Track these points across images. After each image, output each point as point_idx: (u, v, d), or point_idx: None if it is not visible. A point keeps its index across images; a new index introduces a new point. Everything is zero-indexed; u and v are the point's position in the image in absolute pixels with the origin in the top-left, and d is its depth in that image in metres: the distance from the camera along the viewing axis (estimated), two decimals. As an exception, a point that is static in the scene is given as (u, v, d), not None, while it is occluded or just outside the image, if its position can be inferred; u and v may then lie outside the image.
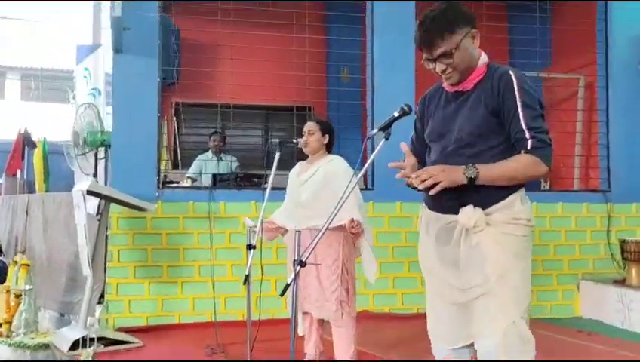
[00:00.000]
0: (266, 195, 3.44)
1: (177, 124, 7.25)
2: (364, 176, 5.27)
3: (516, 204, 2.07)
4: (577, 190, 6.13)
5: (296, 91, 5.89)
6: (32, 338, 4.23)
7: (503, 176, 2.02)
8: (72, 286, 4.82)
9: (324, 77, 6.99)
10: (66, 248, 4.89)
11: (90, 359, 3.55)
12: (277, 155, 3.55)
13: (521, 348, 2.01)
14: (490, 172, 2.00)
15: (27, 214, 5.62)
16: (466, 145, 2.09)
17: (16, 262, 4.71)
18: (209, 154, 6.36)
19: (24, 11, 16.16)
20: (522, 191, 2.11)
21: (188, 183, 5.78)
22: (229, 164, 6.32)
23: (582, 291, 5.46)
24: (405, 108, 2.17)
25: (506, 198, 2.06)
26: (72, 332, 4.09)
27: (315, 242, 2.13)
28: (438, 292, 2.21)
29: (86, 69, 7.06)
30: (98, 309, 4.69)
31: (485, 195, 2.04)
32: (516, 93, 2.03)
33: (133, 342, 4.31)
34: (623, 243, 5.17)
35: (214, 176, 5.49)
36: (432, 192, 1.99)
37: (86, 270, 4.33)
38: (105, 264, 4.68)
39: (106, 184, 5.36)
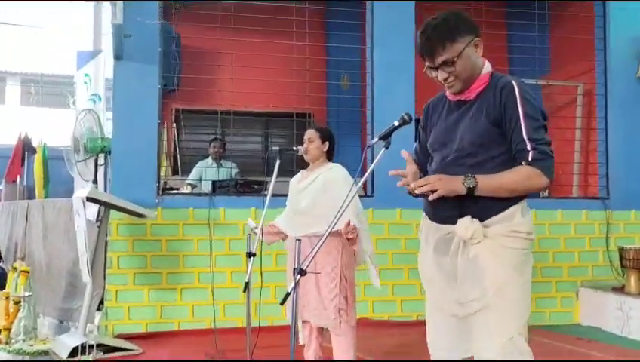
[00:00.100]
0: (266, 202, 3.46)
1: (177, 130, 7.27)
2: (364, 183, 5.28)
3: (516, 216, 2.03)
4: (576, 197, 6.15)
5: (296, 98, 5.91)
6: (31, 345, 4.23)
7: (503, 187, 2.00)
8: (71, 293, 4.82)
9: (324, 84, 7.01)
10: (66, 254, 4.89)
11: (89, 366, 3.55)
12: (277, 163, 3.56)
13: None
14: (489, 183, 1.99)
15: (27, 220, 5.62)
16: (467, 154, 2.07)
17: (15, 269, 4.70)
18: (209, 160, 6.37)
19: (25, 17, 16.20)
20: (523, 203, 2.08)
21: (188, 190, 5.78)
22: (228, 171, 6.33)
23: (581, 298, 5.46)
24: (405, 117, 2.17)
25: (506, 210, 2.03)
26: (72, 339, 4.08)
27: (315, 251, 2.14)
28: (437, 304, 2.19)
29: (86, 74, 7.08)
30: (97, 316, 4.68)
31: (484, 206, 2.02)
32: (518, 103, 2.01)
33: (132, 349, 4.31)
34: (621, 250, 5.17)
35: (214, 182, 5.50)
36: (430, 198, 1.98)
37: (85, 276, 4.33)
38: (104, 270, 4.68)
39: (105, 190, 5.36)
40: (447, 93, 2.19)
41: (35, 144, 7.92)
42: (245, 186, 5.32)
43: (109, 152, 5.24)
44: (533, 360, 2.02)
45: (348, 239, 3.34)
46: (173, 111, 7.17)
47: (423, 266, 2.25)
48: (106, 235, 4.68)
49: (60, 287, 4.94)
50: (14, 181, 7.62)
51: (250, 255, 3.46)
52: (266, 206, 3.46)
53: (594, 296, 5.33)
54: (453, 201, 2.00)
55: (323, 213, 3.22)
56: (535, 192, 2.15)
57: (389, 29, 5.48)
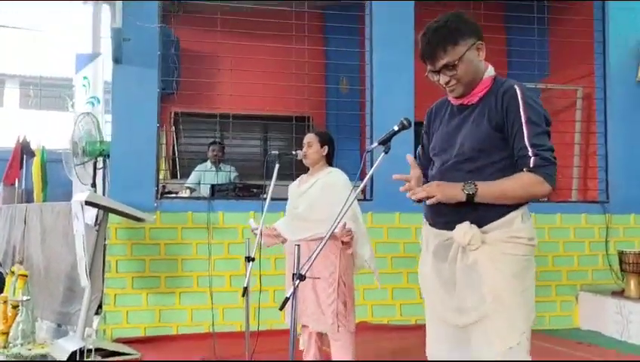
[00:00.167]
0: (265, 206, 3.46)
1: (176, 134, 7.27)
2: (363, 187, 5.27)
3: (516, 222, 1.99)
4: (576, 201, 6.14)
5: (295, 102, 5.90)
6: (30, 349, 4.22)
7: (504, 194, 1.96)
8: (69, 297, 4.80)
9: (323, 87, 7.01)
10: (64, 258, 4.88)
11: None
12: (276, 167, 3.56)
13: None
14: (489, 189, 1.95)
15: (25, 224, 5.60)
16: (466, 160, 2.04)
17: (13, 273, 4.69)
18: (208, 164, 6.36)
19: (24, 20, 16.20)
20: (524, 208, 2.03)
21: (186, 193, 5.77)
22: (227, 175, 6.32)
23: (580, 302, 5.46)
24: (405, 122, 2.14)
25: (506, 216, 1.99)
26: (70, 343, 4.07)
27: (313, 256, 2.13)
28: (436, 313, 2.15)
29: (85, 77, 7.06)
30: (96, 320, 4.66)
31: (484, 212, 1.98)
32: (521, 108, 1.97)
33: (130, 353, 4.29)
34: (621, 254, 5.17)
35: (213, 186, 5.49)
36: (429, 202, 1.96)
37: (84, 280, 4.32)
38: (103, 274, 4.67)
39: (104, 194, 5.35)
40: (450, 97, 2.17)
41: (33, 147, 7.88)
42: (244, 190, 5.31)
43: (108, 156, 5.23)
44: None
45: (343, 243, 3.33)
46: (172, 114, 7.17)
47: (423, 274, 2.21)
48: (105, 239, 4.67)
49: (58, 291, 4.92)
50: (12, 184, 7.59)
51: (249, 259, 3.46)
52: (265, 210, 3.45)
53: (593, 300, 5.32)
54: (453, 207, 1.97)
55: (321, 218, 3.22)
56: (537, 199, 2.12)
57: (388, 32, 5.48)
